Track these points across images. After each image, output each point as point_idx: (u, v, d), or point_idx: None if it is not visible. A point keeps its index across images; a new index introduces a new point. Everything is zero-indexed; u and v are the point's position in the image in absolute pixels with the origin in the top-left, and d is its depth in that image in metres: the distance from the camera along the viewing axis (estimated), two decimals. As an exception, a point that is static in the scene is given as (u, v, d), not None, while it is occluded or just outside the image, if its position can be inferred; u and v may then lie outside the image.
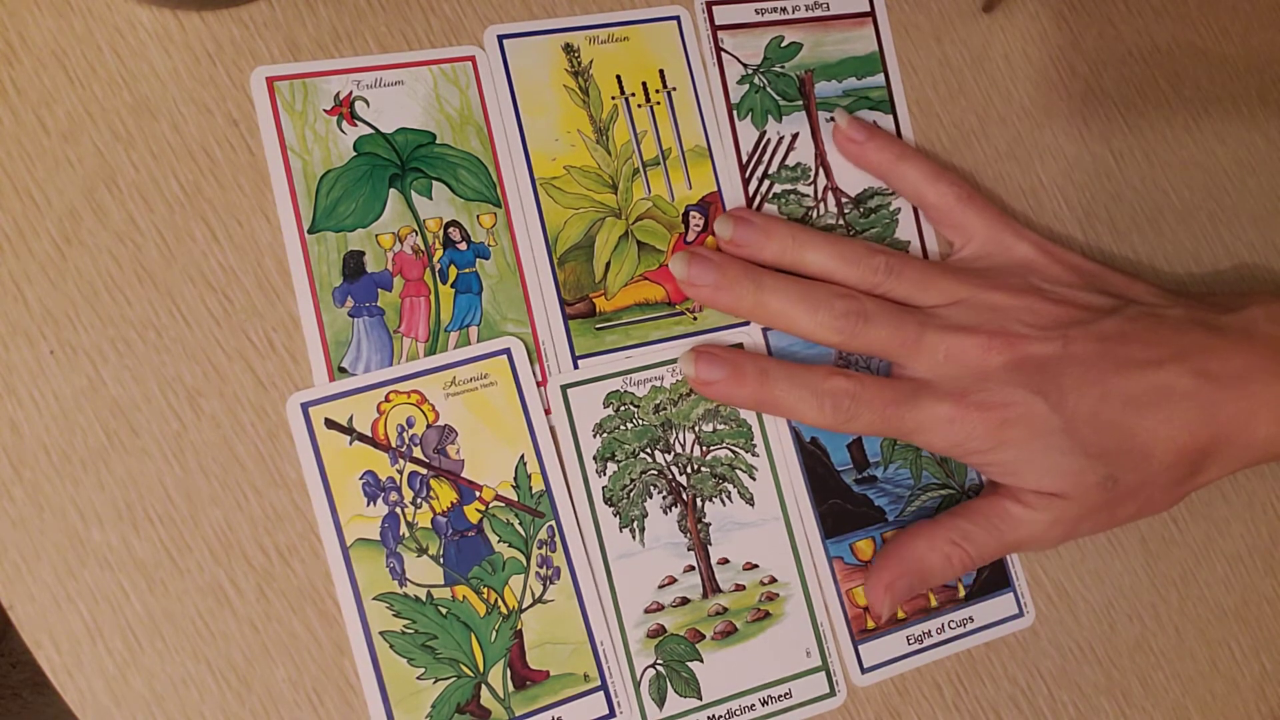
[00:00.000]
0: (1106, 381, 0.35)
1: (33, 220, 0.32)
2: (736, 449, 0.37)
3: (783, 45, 0.40)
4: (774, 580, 0.36)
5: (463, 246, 0.35)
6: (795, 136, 0.39)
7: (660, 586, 0.35)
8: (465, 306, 0.35)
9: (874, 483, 0.38)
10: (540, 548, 0.34)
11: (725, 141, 0.39)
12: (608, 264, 0.36)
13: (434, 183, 0.35)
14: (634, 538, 0.35)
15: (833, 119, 0.39)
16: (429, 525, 0.33)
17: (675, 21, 0.39)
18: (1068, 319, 0.36)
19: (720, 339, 0.37)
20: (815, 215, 0.39)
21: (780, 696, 0.35)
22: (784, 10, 0.40)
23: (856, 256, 0.36)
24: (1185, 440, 0.35)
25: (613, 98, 0.38)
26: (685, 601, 0.35)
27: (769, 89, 0.39)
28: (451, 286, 0.35)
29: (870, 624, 0.37)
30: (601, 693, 0.34)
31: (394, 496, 0.33)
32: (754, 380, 0.34)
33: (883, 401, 0.34)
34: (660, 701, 0.34)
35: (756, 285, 0.35)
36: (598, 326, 0.36)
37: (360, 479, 0.33)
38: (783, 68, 0.40)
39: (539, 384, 0.35)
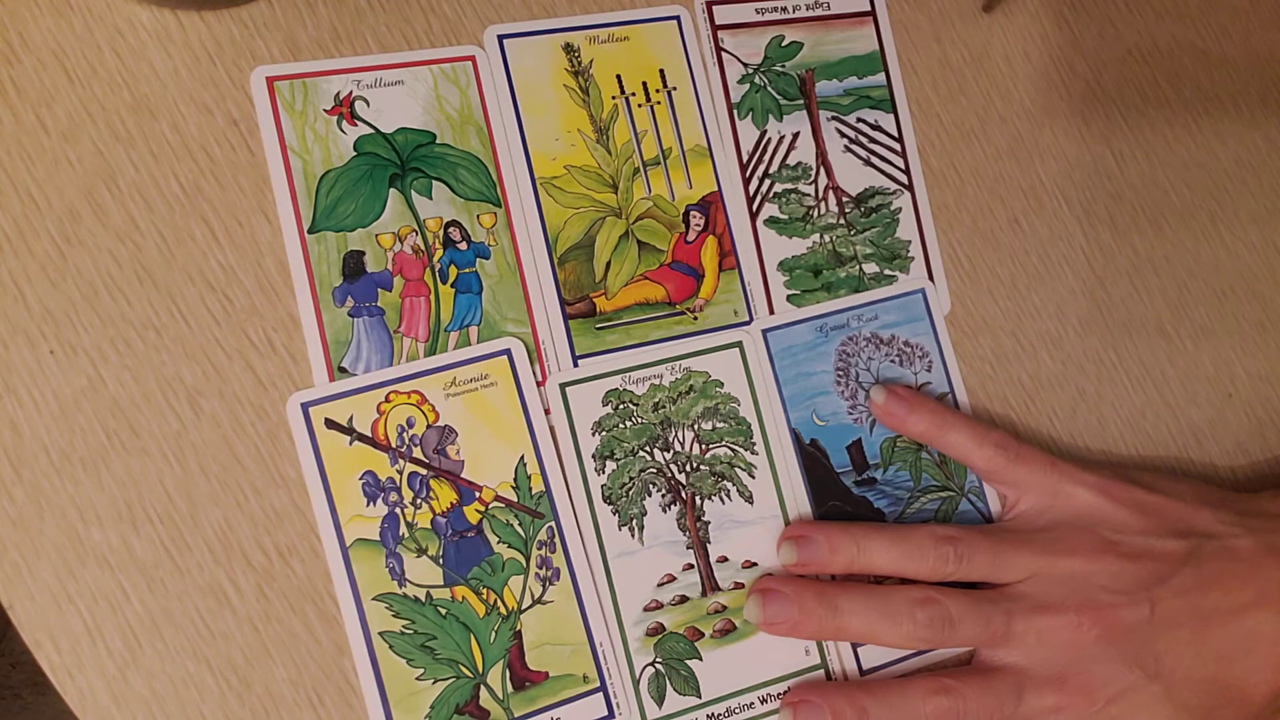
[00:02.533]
0: (1198, 640, 0.36)
1: (33, 220, 0.32)
2: (735, 447, 0.37)
3: (783, 44, 0.40)
4: (773, 580, 0.36)
5: (463, 246, 0.35)
6: (796, 135, 0.39)
7: (659, 585, 0.35)
8: (465, 306, 0.35)
9: (873, 484, 0.38)
10: (540, 549, 0.34)
11: (725, 141, 0.39)
12: (608, 264, 0.36)
13: (434, 182, 0.35)
14: (633, 536, 0.35)
15: (869, 396, 0.38)
16: (429, 526, 0.33)
17: (675, 21, 0.39)
18: (1149, 577, 0.36)
19: (720, 338, 0.37)
20: (816, 214, 0.39)
21: (779, 695, 0.35)
22: (784, 10, 0.40)
23: (923, 550, 0.35)
24: (1278, 680, 0.36)
25: (613, 97, 0.37)
26: (684, 600, 0.35)
27: (769, 88, 0.39)
28: (451, 286, 0.35)
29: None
30: (601, 694, 0.34)
31: (394, 497, 0.33)
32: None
33: (988, 711, 0.34)
34: (659, 700, 0.34)
35: (833, 610, 0.35)
36: (598, 326, 0.36)
37: (360, 479, 0.33)
38: (783, 67, 0.40)
39: (538, 384, 0.35)
